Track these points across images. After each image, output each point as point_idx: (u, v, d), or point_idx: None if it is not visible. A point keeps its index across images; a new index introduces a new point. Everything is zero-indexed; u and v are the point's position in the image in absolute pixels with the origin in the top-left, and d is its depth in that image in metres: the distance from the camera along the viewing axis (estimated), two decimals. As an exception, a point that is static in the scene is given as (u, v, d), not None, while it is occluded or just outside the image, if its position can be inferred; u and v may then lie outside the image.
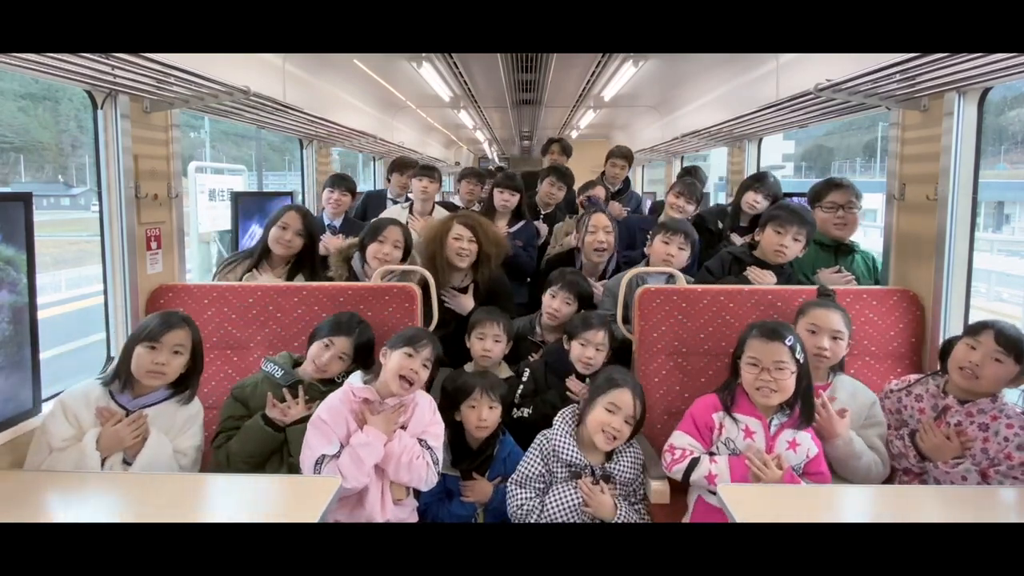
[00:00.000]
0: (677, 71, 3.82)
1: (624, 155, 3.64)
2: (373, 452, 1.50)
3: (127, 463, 1.48)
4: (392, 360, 1.57)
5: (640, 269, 2.16)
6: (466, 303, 2.19)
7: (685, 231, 2.18)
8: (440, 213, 2.89)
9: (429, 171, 2.99)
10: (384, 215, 2.94)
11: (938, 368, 1.67)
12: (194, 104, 2.15)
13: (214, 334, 1.95)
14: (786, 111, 2.69)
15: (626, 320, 2.01)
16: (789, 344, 1.52)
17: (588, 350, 1.92)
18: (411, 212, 2.93)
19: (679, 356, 1.91)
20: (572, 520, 1.60)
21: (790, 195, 2.81)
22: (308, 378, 1.71)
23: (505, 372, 2.04)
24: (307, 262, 2.22)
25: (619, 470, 1.65)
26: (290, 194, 3.74)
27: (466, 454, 1.79)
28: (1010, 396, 1.56)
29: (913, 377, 1.71)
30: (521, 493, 1.66)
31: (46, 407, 1.58)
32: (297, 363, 1.75)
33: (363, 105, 4.36)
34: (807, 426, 1.55)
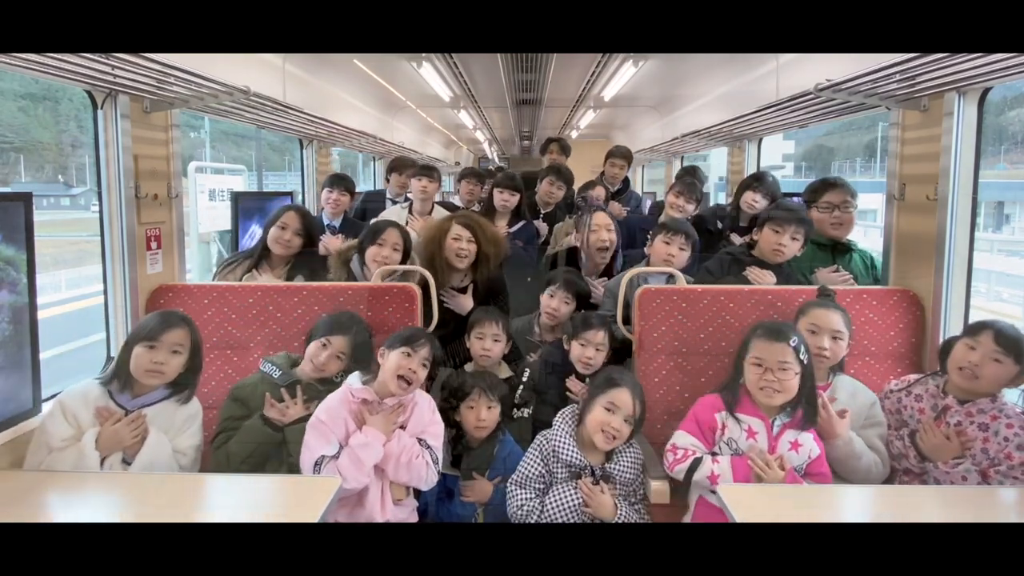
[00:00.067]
0: (677, 71, 3.82)
1: (623, 155, 3.64)
2: (372, 452, 1.50)
3: (126, 463, 1.48)
4: (390, 360, 1.57)
5: (640, 269, 2.16)
6: (465, 303, 2.19)
7: (686, 231, 2.18)
8: (440, 213, 2.89)
9: (428, 171, 2.99)
10: (383, 215, 2.94)
11: (937, 368, 1.67)
12: (194, 104, 2.15)
13: (214, 334, 1.95)
14: (786, 111, 2.69)
15: (626, 320, 2.01)
16: (793, 345, 1.52)
17: (588, 350, 1.92)
18: (410, 212, 2.93)
19: (679, 356, 1.91)
20: (572, 520, 1.60)
21: (790, 195, 2.81)
22: (306, 378, 1.71)
23: (505, 372, 2.04)
24: (307, 262, 2.22)
25: (619, 470, 1.65)
26: (290, 194, 3.74)
27: (466, 454, 1.79)
28: (1010, 396, 1.56)
29: (913, 377, 1.71)
30: (521, 494, 1.66)
31: (46, 407, 1.58)
32: (296, 363, 1.75)
33: (363, 105, 4.36)
34: (810, 427, 1.55)
